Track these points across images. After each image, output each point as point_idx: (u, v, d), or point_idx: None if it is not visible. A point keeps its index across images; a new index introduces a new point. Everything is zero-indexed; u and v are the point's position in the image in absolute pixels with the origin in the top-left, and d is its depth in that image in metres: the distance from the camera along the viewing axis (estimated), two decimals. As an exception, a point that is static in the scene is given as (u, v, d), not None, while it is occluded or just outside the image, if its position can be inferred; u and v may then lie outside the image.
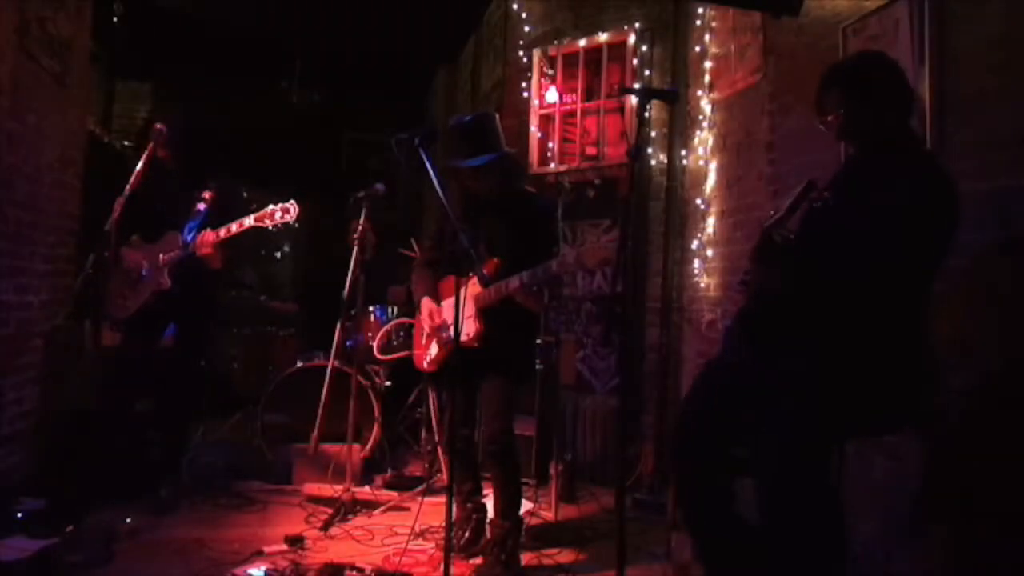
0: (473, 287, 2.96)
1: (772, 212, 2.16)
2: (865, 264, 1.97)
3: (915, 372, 2.07)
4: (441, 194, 2.71)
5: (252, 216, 3.52)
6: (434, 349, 3.16)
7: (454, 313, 2.61)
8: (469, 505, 3.24)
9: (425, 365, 3.25)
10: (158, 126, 3.47)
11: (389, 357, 4.51)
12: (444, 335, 3.08)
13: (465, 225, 2.87)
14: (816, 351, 2.04)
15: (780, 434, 2.04)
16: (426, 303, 3.17)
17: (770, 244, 2.13)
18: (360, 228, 3.70)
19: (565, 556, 3.18)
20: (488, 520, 3.20)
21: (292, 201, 3.49)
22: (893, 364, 2.03)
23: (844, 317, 2.02)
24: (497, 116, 3.23)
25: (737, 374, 2.24)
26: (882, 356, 2.02)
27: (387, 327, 4.54)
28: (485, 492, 3.30)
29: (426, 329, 3.16)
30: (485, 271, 2.86)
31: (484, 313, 2.96)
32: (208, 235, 3.52)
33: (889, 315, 2.04)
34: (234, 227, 3.52)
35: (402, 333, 4.58)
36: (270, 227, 3.53)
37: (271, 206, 3.51)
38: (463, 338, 2.92)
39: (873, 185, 2.05)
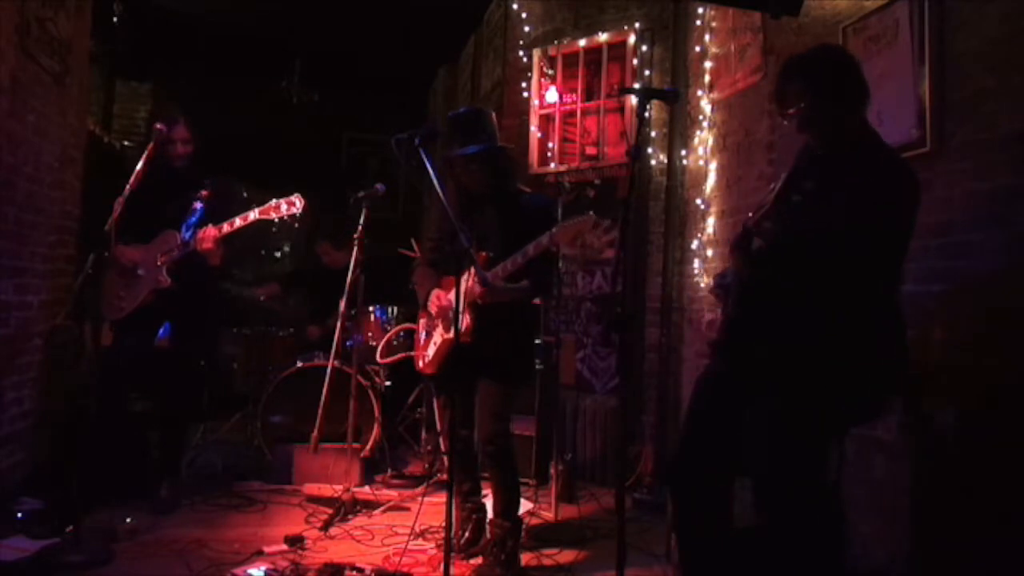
0: (465, 283, 2.98)
1: (751, 213, 2.16)
2: (842, 260, 2.00)
3: (892, 358, 2.11)
4: (441, 193, 2.71)
5: (256, 210, 3.52)
6: (431, 350, 3.15)
7: (454, 308, 2.62)
8: (469, 505, 3.24)
9: (421, 366, 3.25)
10: (158, 126, 3.47)
11: (391, 359, 4.51)
12: (450, 314, 3.07)
13: (459, 221, 2.86)
14: (798, 347, 2.05)
15: (769, 432, 2.04)
16: (433, 293, 3.16)
17: (748, 239, 2.14)
18: (360, 228, 3.70)
19: (565, 556, 3.18)
20: (488, 520, 3.20)
21: (297, 195, 3.49)
22: (872, 353, 2.06)
23: (825, 312, 2.03)
24: (493, 113, 3.24)
25: (728, 384, 2.23)
26: (861, 346, 2.05)
27: (390, 334, 4.54)
28: (485, 492, 3.30)
29: (434, 310, 3.13)
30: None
31: (476, 308, 2.95)
32: (210, 230, 3.52)
33: (867, 306, 2.06)
34: (238, 221, 3.51)
35: (402, 334, 4.58)
36: (275, 220, 3.53)
37: (275, 199, 3.51)
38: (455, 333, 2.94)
39: (843, 182, 2.06)
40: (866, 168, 2.07)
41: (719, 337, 2.33)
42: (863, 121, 2.19)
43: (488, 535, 3.13)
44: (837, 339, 2.01)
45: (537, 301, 4.45)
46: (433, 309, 3.13)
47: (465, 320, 2.95)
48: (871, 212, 1.98)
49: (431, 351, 3.16)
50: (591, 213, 2.77)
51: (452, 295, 3.07)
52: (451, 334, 3.01)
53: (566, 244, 2.76)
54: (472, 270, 2.86)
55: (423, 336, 3.24)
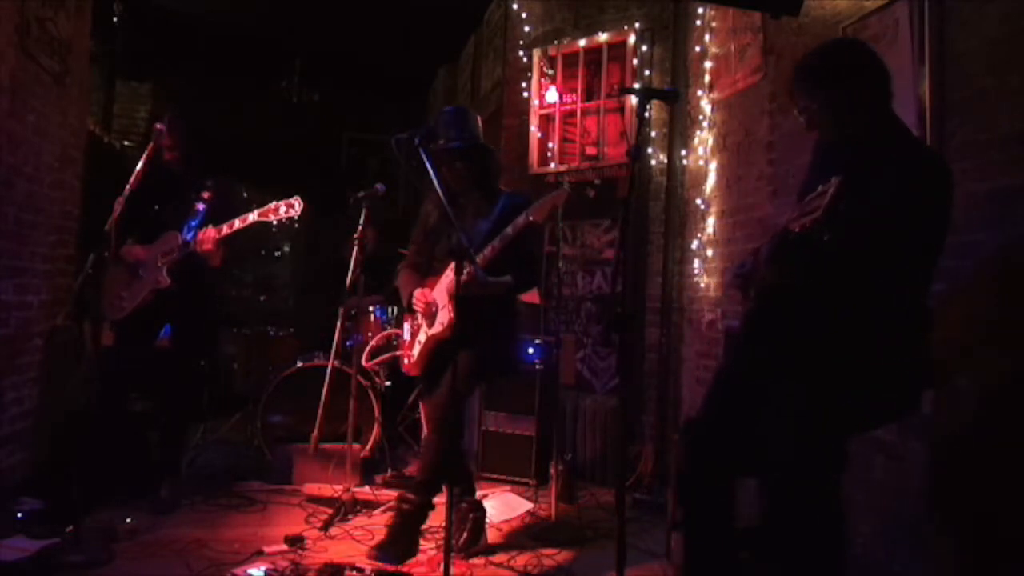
0: (446, 278, 3.00)
1: (797, 215, 1.95)
2: (873, 257, 1.96)
3: (919, 361, 2.06)
4: (441, 193, 2.72)
5: (256, 211, 3.53)
6: (416, 349, 3.15)
7: (442, 297, 2.70)
8: (463, 505, 3.24)
9: (406, 364, 3.24)
10: (158, 126, 3.47)
11: (377, 361, 4.44)
12: (433, 311, 3.08)
13: (457, 219, 2.86)
14: (824, 346, 2.02)
15: (785, 430, 2.03)
16: (417, 291, 3.17)
17: (786, 242, 2.07)
18: (360, 228, 3.70)
19: (565, 556, 3.18)
20: (477, 516, 3.21)
21: (296, 197, 3.50)
22: (900, 354, 2.01)
23: (854, 310, 1.99)
24: (477, 116, 3.26)
25: (746, 381, 2.22)
26: (890, 347, 2.00)
27: (376, 339, 4.47)
28: (484, 492, 3.30)
29: (420, 307, 3.15)
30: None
31: (459, 303, 2.90)
32: (210, 232, 3.52)
33: (896, 305, 2.02)
34: (237, 223, 3.52)
35: (396, 338, 4.56)
36: (274, 222, 3.53)
37: (275, 202, 3.51)
38: (437, 328, 2.98)
39: (871, 176, 1.99)
40: (894, 160, 2.02)
41: (737, 331, 2.30)
42: (882, 111, 2.13)
43: (467, 531, 3.14)
44: (861, 338, 1.97)
45: (536, 301, 4.45)
46: (419, 306, 3.14)
47: (448, 315, 2.95)
48: (896, 208, 1.93)
49: (416, 350, 3.16)
50: (565, 187, 2.81)
51: (436, 291, 3.09)
52: (434, 330, 3.01)
53: (542, 219, 2.83)
54: (453, 264, 2.87)
55: (407, 337, 3.24)
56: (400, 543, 2.95)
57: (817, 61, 2.18)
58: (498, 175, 3.28)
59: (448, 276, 3.00)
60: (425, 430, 3.49)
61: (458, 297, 2.86)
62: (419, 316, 3.16)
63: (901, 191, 1.95)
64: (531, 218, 2.83)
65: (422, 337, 3.13)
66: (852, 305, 1.99)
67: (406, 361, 3.25)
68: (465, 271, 2.80)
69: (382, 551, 2.91)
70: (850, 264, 1.97)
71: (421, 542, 3.23)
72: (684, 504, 2.39)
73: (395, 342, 4.56)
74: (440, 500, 3.32)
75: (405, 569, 2.92)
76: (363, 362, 4.34)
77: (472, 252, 2.80)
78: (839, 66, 2.15)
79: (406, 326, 3.27)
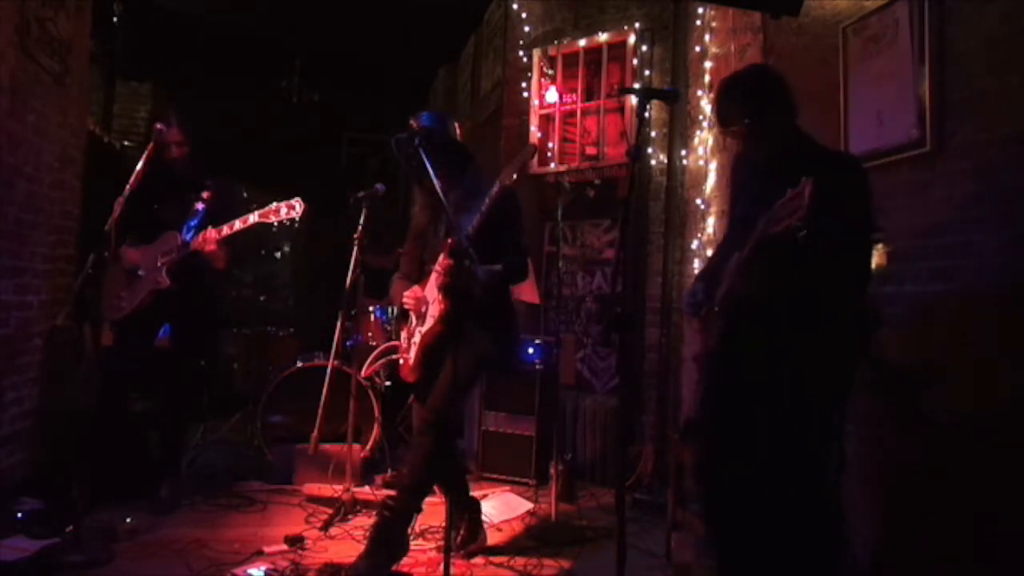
0: (436, 274, 3.01)
1: (773, 221, 2.05)
2: (856, 253, 2.11)
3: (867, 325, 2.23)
4: (441, 194, 2.71)
5: (256, 212, 3.53)
6: (413, 351, 3.14)
7: (432, 293, 2.77)
8: (459, 504, 3.22)
9: (403, 364, 3.22)
10: (159, 126, 3.47)
11: (373, 367, 4.40)
12: (423, 309, 3.08)
13: (454, 218, 2.86)
14: (819, 335, 2.08)
15: (783, 427, 2.04)
16: (407, 291, 3.15)
17: (762, 250, 2.12)
18: (360, 228, 3.70)
19: (565, 556, 3.18)
20: (473, 514, 3.21)
21: (297, 198, 3.50)
22: (857, 327, 2.17)
23: (846, 301, 2.11)
24: (457, 124, 3.26)
25: (741, 384, 2.24)
26: (869, 328, 2.17)
27: (376, 352, 4.44)
28: (484, 492, 3.29)
29: (410, 303, 3.13)
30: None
31: (451, 295, 2.91)
32: (210, 233, 3.52)
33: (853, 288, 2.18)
34: (237, 224, 3.52)
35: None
36: (274, 224, 3.53)
37: (275, 203, 3.51)
38: (429, 323, 2.98)
39: (826, 181, 2.04)
40: (839, 167, 2.21)
41: (714, 349, 2.32)
42: (794, 124, 2.32)
43: (485, 533, 3.13)
44: (852, 327, 2.12)
45: (536, 301, 4.45)
46: (409, 303, 3.11)
47: (439, 307, 2.95)
48: (860, 207, 2.11)
49: (412, 352, 3.15)
50: (533, 144, 2.82)
51: (427, 289, 3.08)
52: (426, 326, 3.02)
53: (512, 179, 2.89)
54: (441, 258, 2.91)
55: (404, 343, 3.23)
56: (382, 552, 2.86)
57: (741, 83, 2.39)
58: (480, 177, 3.23)
59: (437, 271, 2.99)
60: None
61: (449, 287, 2.86)
62: (413, 319, 3.15)
63: (856, 190, 2.14)
64: (503, 182, 2.83)
65: (416, 338, 3.12)
66: (843, 297, 2.11)
67: (401, 362, 3.24)
68: (444, 264, 2.83)
69: (359, 570, 2.80)
70: (839, 262, 2.08)
71: (421, 542, 3.23)
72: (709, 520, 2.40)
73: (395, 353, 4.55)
74: (438, 500, 3.33)
75: (405, 569, 2.93)
76: (362, 374, 4.28)
77: (469, 247, 2.79)
78: (761, 83, 2.35)
79: (403, 334, 3.26)
